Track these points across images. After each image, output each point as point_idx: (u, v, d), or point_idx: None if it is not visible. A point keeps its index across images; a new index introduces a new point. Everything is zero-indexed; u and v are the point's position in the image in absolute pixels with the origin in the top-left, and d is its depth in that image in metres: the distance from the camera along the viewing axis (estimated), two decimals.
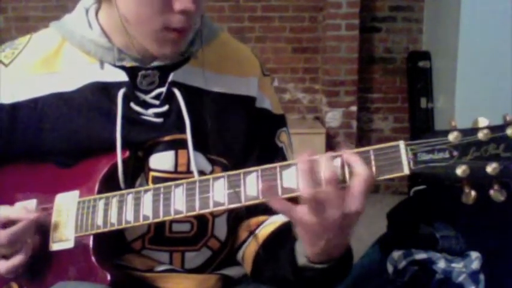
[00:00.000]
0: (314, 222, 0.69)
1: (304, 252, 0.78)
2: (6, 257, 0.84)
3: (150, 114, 0.90)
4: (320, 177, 0.68)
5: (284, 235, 0.87)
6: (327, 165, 0.68)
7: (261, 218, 0.94)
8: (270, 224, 0.93)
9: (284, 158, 0.97)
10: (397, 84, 4.05)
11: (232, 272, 0.97)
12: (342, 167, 0.70)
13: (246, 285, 0.95)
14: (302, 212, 0.69)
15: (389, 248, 1.79)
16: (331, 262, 0.77)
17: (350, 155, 0.70)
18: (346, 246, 0.78)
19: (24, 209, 0.87)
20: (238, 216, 0.96)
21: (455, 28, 3.30)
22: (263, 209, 0.90)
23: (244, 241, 0.95)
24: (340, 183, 0.69)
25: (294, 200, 0.71)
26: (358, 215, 0.70)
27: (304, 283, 0.81)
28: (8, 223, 0.83)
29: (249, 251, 0.94)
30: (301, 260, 0.79)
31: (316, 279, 0.79)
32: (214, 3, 3.90)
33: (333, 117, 3.86)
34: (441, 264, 1.67)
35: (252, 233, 0.94)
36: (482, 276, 1.63)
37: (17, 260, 0.83)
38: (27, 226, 0.83)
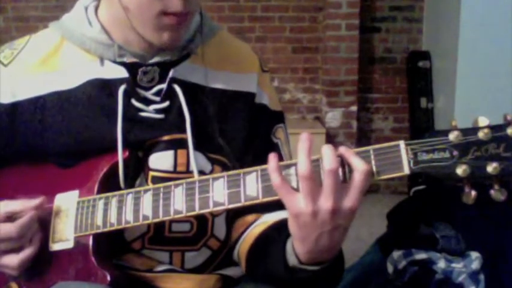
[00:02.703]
0: (309, 211, 0.68)
1: (295, 251, 0.77)
2: (14, 251, 0.84)
3: (150, 111, 0.90)
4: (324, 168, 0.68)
5: (275, 234, 0.87)
6: (331, 156, 0.68)
7: (252, 216, 0.94)
8: (261, 224, 0.92)
9: (279, 155, 0.96)
10: (397, 84, 4.05)
11: (232, 272, 0.97)
12: (343, 166, 0.69)
13: (245, 285, 0.95)
14: (299, 199, 0.69)
15: (390, 248, 1.79)
16: (322, 265, 0.76)
17: (347, 150, 0.69)
18: (338, 252, 0.77)
19: (26, 201, 0.86)
20: (233, 215, 0.96)
21: (455, 28, 3.30)
22: (255, 208, 0.90)
23: (238, 240, 0.95)
24: (341, 181, 0.69)
25: None
26: (352, 214, 0.69)
27: (296, 284, 0.80)
28: (12, 217, 0.83)
29: (242, 249, 0.94)
30: (292, 260, 0.79)
31: (307, 281, 0.78)
32: (214, 3, 3.89)
33: (333, 117, 3.86)
34: (441, 264, 1.68)
35: (244, 232, 0.94)
36: (482, 276, 1.63)
37: (29, 251, 0.84)
38: (33, 216, 0.83)
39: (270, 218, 0.92)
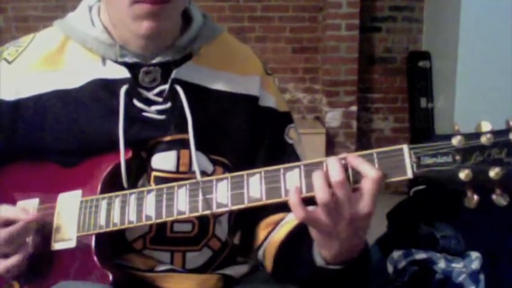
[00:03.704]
0: (328, 224, 0.70)
1: (321, 253, 0.78)
2: (5, 256, 0.84)
3: (152, 111, 0.90)
4: (332, 181, 0.68)
5: (302, 234, 0.86)
6: (336, 168, 0.69)
7: (278, 216, 0.94)
8: (287, 223, 0.92)
9: (295, 154, 0.98)
10: (397, 84, 4.05)
11: (233, 271, 0.97)
12: (346, 169, 0.70)
13: (247, 285, 0.95)
14: (316, 215, 0.70)
15: (389, 248, 1.79)
16: (348, 263, 0.77)
17: (355, 157, 0.70)
18: (364, 247, 0.78)
19: (24, 210, 0.87)
20: (256, 215, 0.96)
21: (455, 28, 3.30)
22: (280, 206, 0.90)
23: (264, 240, 0.95)
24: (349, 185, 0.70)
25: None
26: (369, 217, 0.71)
27: (323, 283, 0.81)
28: (7, 223, 0.83)
29: (269, 250, 0.94)
30: (319, 261, 0.80)
31: (334, 280, 0.80)
32: (214, 3, 3.89)
33: (333, 117, 3.86)
34: (441, 264, 1.67)
35: (270, 232, 0.94)
36: (482, 276, 1.63)
37: (14, 259, 0.83)
38: (25, 226, 0.83)
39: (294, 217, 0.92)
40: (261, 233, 0.96)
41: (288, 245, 0.90)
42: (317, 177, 0.69)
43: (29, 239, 0.85)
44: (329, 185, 0.69)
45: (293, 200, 0.70)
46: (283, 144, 0.98)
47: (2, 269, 0.83)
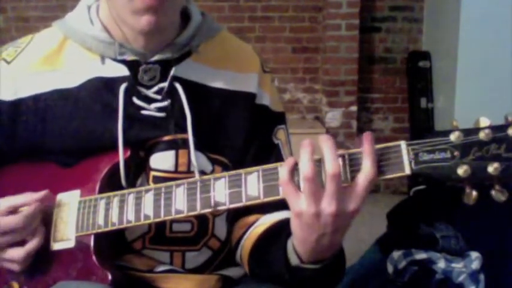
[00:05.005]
0: (311, 212, 0.68)
1: (296, 251, 0.77)
2: (19, 244, 0.83)
3: (152, 109, 0.90)
4: (327, 173, 0.67)
5: (275, 235, 0.86)
6: (332, 159, 0.67)
7: (252, 217, 0.94)
8: (260, 225, 0.92)
9: (279, 156, 0.97)
10: (397, 84, 4.05)
11: (232, 272, 0.97)
12: (344, 165, 0.69)
13: (245, 286, 0.95)
14: (302, 199, 0.69)
15: (390, 248, 1.79)
16: (323, 263, 0.76)
17: (371, 145, 0.69)
18: (338, 249, 0.77)
19: (29, 194, 0.86)
20: (233, 216, 0.96)
21: (455, 28, 3.30)
22: (255, 209, 0.90)
23: (239, 241, 0.95)
24: (343, 181, 0.68)
25: None
26: (354, 215, 0.69)
27: (299, 283, 0.80)
28: (15, 210, 0.83)
29: (244, 251, 0.94)
30: (293, 259, 0.79)
31: (310, 279, 0.79)
32: (214, 3, 3.90)
33: (333, 117, 3.86)
34: (441, 264, 1.67)
35: (244, 233, 0.94)
36: (482, 276, 1.63)
37: (35, 243, 0.83)
38: (38, 207, 0.83)
39: (269, 219, 0.92)
40: (236, 234, 0.96)
41: (261, 246, 0.89)
42: (304, 153, 0.68)
43: (40, 222, 0.85)
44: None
45: (288, 163, 0.70)
46: (270, 145, 0.97)
47: (22, 256, 0.83)
